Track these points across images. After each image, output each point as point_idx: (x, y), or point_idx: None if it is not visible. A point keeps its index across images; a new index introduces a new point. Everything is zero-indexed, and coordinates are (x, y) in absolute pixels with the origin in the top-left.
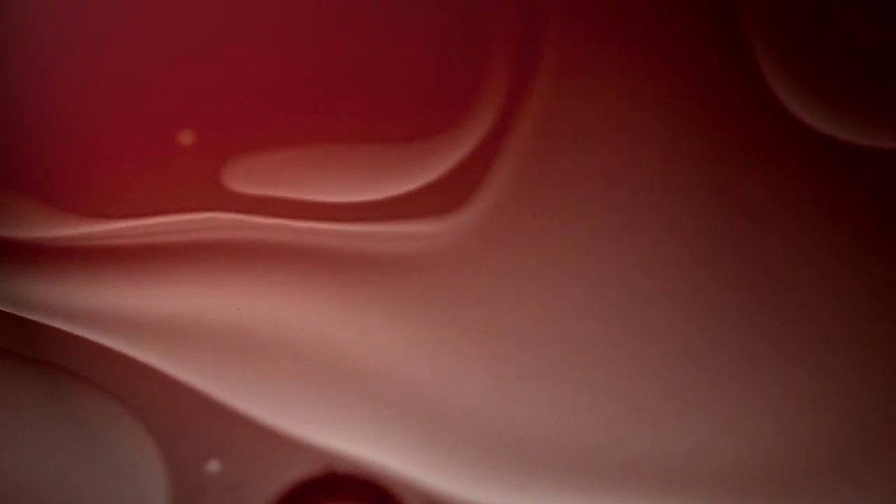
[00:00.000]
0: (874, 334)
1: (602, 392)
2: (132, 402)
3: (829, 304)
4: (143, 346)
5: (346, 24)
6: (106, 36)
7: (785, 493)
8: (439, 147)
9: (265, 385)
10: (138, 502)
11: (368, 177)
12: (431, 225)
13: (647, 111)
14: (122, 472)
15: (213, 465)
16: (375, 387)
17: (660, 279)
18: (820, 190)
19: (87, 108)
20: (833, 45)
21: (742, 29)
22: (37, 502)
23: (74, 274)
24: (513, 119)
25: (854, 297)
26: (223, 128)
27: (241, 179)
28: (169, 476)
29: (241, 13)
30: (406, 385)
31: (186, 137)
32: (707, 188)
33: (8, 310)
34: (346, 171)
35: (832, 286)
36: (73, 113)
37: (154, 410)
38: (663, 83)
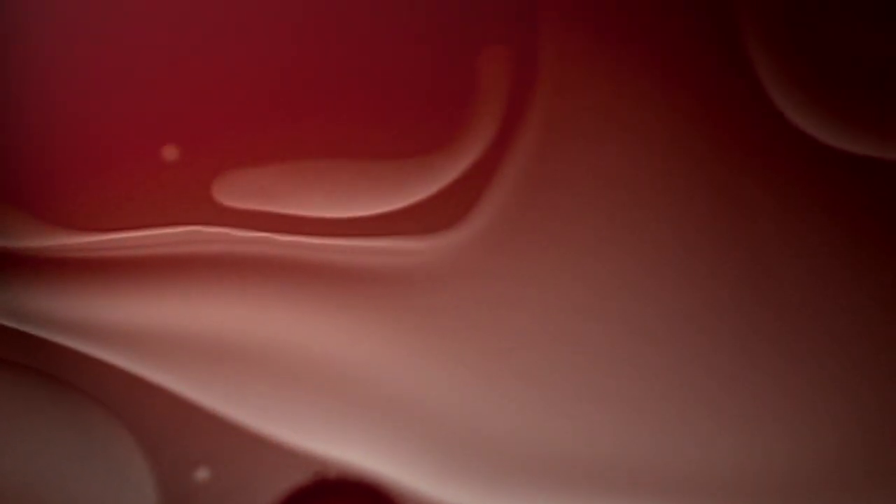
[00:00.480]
0: (875, 335)
1: (603, 396)
2: (121, 411)
3: (830, 305)
4: (132, 355)
5: (338, 37)
6: (96, 49)
7: (787, 495)
8: (436, 163)
9: (254, 393)
10: None
11: (363, 192)
12: (426, 241)
13: (648, 111)
14: (111, 479)
15: (203, 473)
16: (367, 393)
17: (660, 280)
18: (819, 195)
19: (79, 120)
20: (832, 51)
21: (740, 33)
22: None
23: (64, 285)
24: (513, 129)
25: (854, 299)
26: (214, 142)
27: (233, 193)
28: (158, 484)
29: (232, 28)
30: (400, 391)
31: (176, 152)
32: (707, 189)
33: None
34: (341, 187)
35: (832, 288)
36: (64, 125)
37: (143, 419)
38: (663, 84)
